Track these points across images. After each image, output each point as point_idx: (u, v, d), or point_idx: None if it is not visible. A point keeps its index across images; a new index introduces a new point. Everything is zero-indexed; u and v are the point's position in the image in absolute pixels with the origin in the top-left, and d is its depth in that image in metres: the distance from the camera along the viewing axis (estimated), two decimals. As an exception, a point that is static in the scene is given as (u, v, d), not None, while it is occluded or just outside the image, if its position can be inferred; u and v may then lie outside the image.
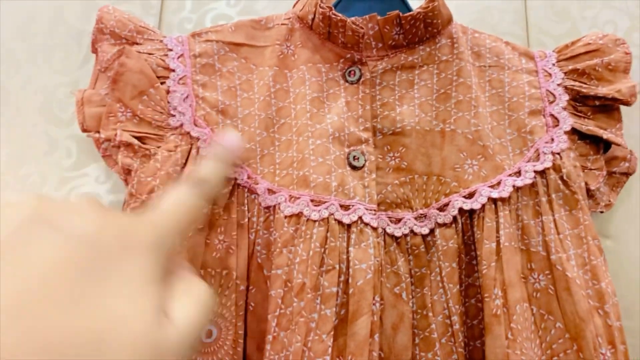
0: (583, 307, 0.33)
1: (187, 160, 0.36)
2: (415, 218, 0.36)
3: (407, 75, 0.40)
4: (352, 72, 0.39)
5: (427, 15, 0.39)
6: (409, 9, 0.41)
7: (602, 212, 0.40)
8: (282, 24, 0.41)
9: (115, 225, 0.19)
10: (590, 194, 0.39)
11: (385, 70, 0.39)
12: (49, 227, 0.18)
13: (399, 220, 0.36)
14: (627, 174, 0.41)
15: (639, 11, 0.47)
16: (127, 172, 0.36)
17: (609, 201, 0.40)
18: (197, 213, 0.24)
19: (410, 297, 0.35)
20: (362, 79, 0.39)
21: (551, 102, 0.39)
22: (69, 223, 0.18)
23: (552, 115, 0.39)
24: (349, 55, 0.39)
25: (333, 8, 0.38)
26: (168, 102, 0.37)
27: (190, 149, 0.37)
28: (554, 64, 0.41)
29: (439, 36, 0.40)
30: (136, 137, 0.36)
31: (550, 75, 0.40)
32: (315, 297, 0.32)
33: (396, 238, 0.36)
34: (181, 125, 0.37)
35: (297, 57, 0.40)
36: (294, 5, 0.42)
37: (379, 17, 0.38)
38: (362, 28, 0.37)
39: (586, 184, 0.38)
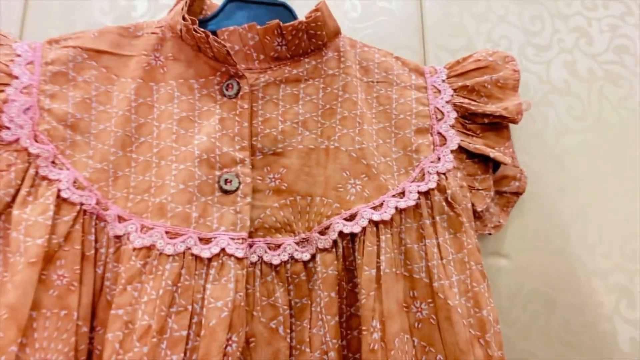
0: (463, 337, 0.31)
1: (22, 180, 0.31)
2: (297, 243, 0.34)
3: (291, 89, 0.37)
4: (230, 86, 0.36)
5: (309, 25, 0.36)
6: (295, 19, 0.38)
7: (490, 233, 0.39)
8: (152, 33, 0.37)
9: None
10: (477, 215, 0.38)
11: (268, 84, 0.37)
12: None
13: (278, 247, 0.34)
14: (517, 194, 0.40)
15: (533, 27, 0.47)
16: None
17: (499, 222, 0.39)
18: None
19: (289, 331, 0.32)
20: (240, 93, 0.36)
21: (439, 120, 0.38)
22: None
23: (439, 133, 0.37)
24: (224, 69, 0.36)
25: (197, 22, 0.35)
26: (2, 112, 0.32)
27: (28, 168, 0.32)
28: (443, 80, 0.39)
29: (325, 49, 0.38)
30: None
31: (439, 91, 0.39)
32: (161, 341, 0.29)
33: (275, 266, 0.33)
34: (17, 140, 0.32)
35: (167, 70, 0.36)
36: (170, 12, 0.38)
37: (258, 27, 0.36)
38: (225, 45, 0.34)
39: (473, 205, 0.37)
